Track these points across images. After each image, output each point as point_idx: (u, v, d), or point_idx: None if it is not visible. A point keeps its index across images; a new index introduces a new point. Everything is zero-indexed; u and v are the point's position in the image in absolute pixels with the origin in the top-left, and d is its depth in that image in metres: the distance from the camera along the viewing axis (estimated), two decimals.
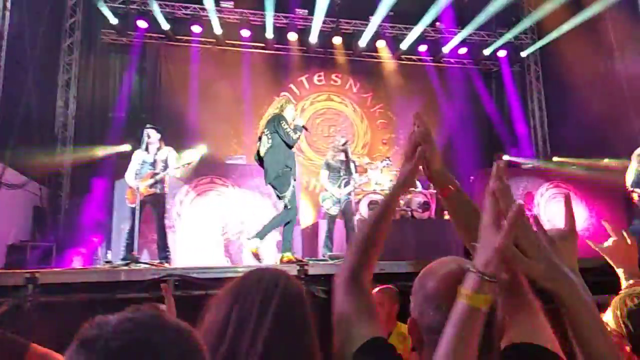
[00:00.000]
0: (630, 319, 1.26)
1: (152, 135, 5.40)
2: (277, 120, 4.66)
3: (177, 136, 7.68)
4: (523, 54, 10.87)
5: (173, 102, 9.32)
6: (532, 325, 1.03)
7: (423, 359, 0.98)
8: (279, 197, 4.73)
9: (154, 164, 5.40)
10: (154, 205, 5.37)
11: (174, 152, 5.51)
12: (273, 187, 4.71)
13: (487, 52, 10.65)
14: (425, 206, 7.57)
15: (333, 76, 10.59)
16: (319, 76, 10.51)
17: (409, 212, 7.74)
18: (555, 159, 9.45)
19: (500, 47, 10.64)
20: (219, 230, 6.50)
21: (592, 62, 8.54)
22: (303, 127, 4.89)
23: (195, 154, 5.81)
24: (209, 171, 6.67)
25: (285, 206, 4.70)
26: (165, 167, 5.38)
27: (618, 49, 8.24)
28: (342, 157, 5.96)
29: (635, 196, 5.68)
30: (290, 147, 4.67)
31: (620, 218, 7.47)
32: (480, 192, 8.45)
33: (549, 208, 7.97)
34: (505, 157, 9.75)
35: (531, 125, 10.96)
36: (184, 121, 9.05)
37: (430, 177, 1.24)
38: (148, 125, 5.47)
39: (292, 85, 10.32)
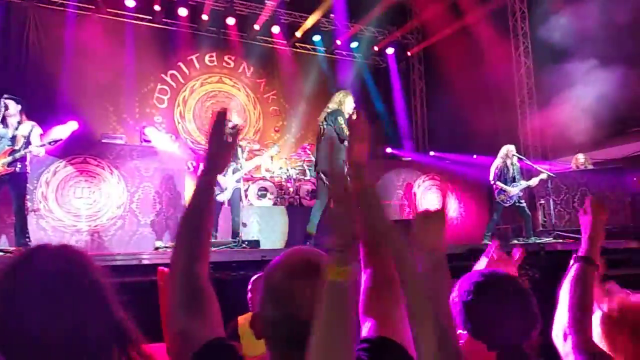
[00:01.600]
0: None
1: (10, 107, 4.76)
2: (335, 115, 5.07)
3: (44, 110, 6.86)
4: (409, 53, 11.53)
5: (42, 72, 8.31)
6: (393, 319, 1.05)
7: (269, 353, 0.94)
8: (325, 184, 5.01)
9: (13, 139, 4.78)
10: (13, 186, 4.77)
11: (38, 127, 4.92)
12: (324, 174, 5.00)
13: (376, 48, 11.09)
14: (313, 194, 7.70)
15: (226, 58, 10.26)
16: (211, 57, 10.12)
17: (298, 200, 7.83)
18: (431, 153, 10.19)
19: (389, 45, 11.16)
20: (90, 214, 5.97)
21: (467, 65, 9.30)
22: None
23: (65, 130, 5.22)
24: (82, 150, 6.06)
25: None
26: (27, 143, 4.80)
27: (487, 55, 9.08)
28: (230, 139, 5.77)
29: (494, 186, 6.38)
30: (342, 141, 4.92)
31: (484, 209, 8.32)
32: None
33: (426, 198, 8.58)
34: (389, 150, 10.30)
35: (413, 121, 11.69)
36: (54, 94, 8.12)
37: (349, 165, 1.18)
38: (6, 96, 4.80)
39: (180, 64, 9.81)
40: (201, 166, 1.22)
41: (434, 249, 1.02)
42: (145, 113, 9.29)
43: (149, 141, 7.47)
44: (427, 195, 8.63)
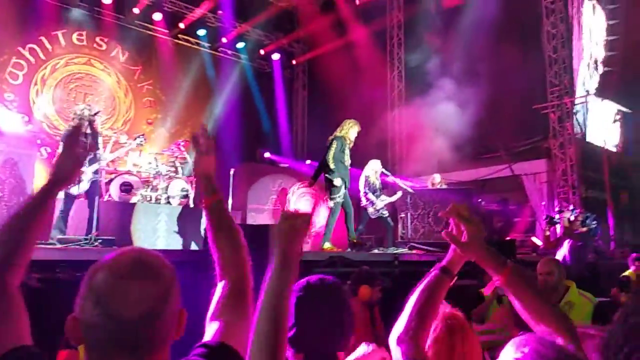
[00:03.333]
0: None
1: None
2: (333, 140, 5.91)
3: None
4: (294, 62, 11.72)
5: None
6: (239, 328, 1.06)
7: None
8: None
9: None
10: None
11: None
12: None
13: (262, 52, 11.09)
14: (185, 192, 7.37)
15: (97, 39, 9.42)
16: (80, 35, 9.21)
17: (166, 198, 7.43)
18: (308, 161, 10.44)
19: (275, 50, 11.23)
20: None
21: (347, 81, 9.73)
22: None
23: None
24: None
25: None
26: None
27: (366, 74, 9.60)
28: (89, 129, 5.27)
29: (363, 199, 6.71)
30: (326, 164, 5.86)
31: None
32: (240, 185, 8.74)
33: (299, 204, 8.74)
34: (267, 155, 10.32)
35: (293, 129, 11.88)
36: None
37: (197, 178, 1.18)
38: None
39: (43, 38, 8.77)
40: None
41: (287, 248, 1.04)
42: None
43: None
44: (301, 202, 8.80)
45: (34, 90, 8.66)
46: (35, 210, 1.11)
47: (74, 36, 9.14)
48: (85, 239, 4.62)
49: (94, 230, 4.87)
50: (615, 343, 0.72)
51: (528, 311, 1.08)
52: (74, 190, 5.09)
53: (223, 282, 1.16)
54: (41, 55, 8.78)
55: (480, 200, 7.89)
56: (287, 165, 9.73)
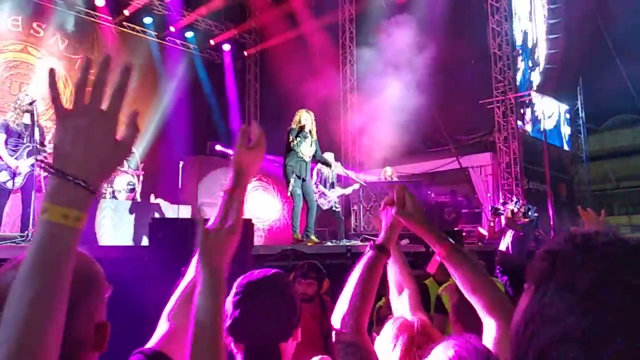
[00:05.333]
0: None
1: None
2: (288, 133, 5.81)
3: None
4: (245, 53, 11.52)
5: None
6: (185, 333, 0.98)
7: None
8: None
9: None
10: None
11: None
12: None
13: (212, 42, 10.82)
14: (131, 187, 7.10)
15: (34, 25, 8.85)
16: (15, 21, 8.62)
17: (112, 193, 7.13)
18: None
19: (226, 41, 10.99)
20: None
21: (300, 73, 9.67)
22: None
23: None
24: None
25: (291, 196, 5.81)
26: None
27: (318, 66, 9.58)
28: (26, 119, 4.95)
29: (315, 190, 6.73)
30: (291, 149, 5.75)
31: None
32: (189, 177, 8.51)
33: (251, 198, 8.63)
34: (218, 147, 10.11)
35: (245, 121, 11.70)
36: None
37: (232, 168, 1.13)
38: None
39: None
40: None
41: (213, 268, 0.97)
42: None
43: None
44: (253, 195, 8.69)
45: None
46: None
47: (9, 21, 8.55)
48: (21, 236, 4.35)
49: (30, 227, 4.58)
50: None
51: (465, 283, 1.13)
52: (10, 184, 4.77)
53: (191, 276, 1.08)
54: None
55: (430, 192, 8.08)
56: None
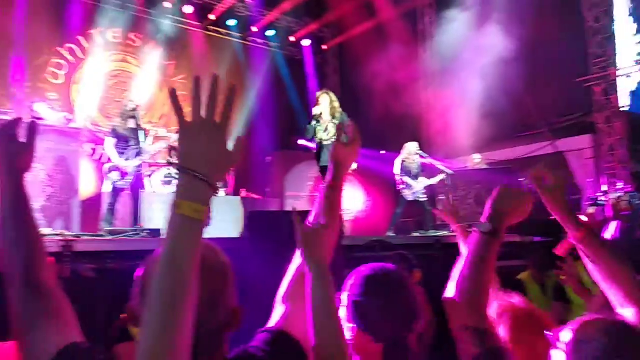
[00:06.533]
0: None
1: None
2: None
3: None
4: (325, 47, 11.62)
5: None
6: (302, 312, 1.08)
7: None
8: None
9: None
10: None
11: None
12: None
13: (292, 38, 11.04)
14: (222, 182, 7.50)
15: (132, 36, 9.61)
16: (115, 33, 9.42)
17: None
18: None
19: (305, 37, 11.16)
20: None
21: (379, 63, 9.58)
22: None
23: None
24: None
25: None
26: None
27: (397, 55, 9.43)
28: (131, 124, 5.42)
29: (399, 181, 6.67)
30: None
31: (389, 202, 8.65)
32: (277, 173, 8.80)
33: None
34: (300, 142, 10.33)
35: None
36: None
37: (332, 161, 1.30)
38: None
39: (80, 38, 9.01)
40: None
41: (318, 262, 1.08)
42: (37, 88, 8.43)
43: (39, 119, 6.77)
44: None
45: (75, 89, 8.95)
46: (12, 201, 1.08)
47: (109, 34, 9.35)
48: (133, 230, 4.77)
49: (139, 222, 5.02)
50: None
51: (603, 270, 1.06)
52: (121, 183, 5.26)
53: (299, 261, 1.18)
54: (79, 54, 9.04)
55: (523, 179, 7.67)
56: None
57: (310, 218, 1.26)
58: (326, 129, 5.41)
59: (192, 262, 0.76)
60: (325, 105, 5.49)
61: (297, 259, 1.18)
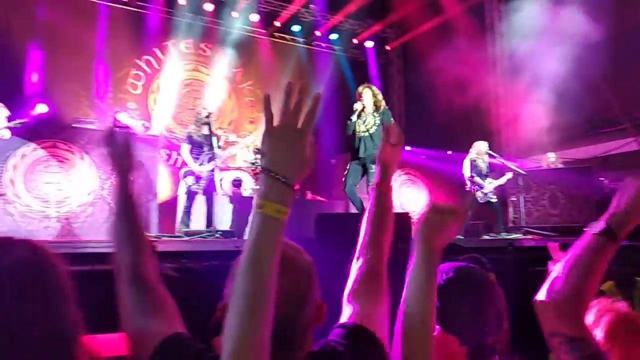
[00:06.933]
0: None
1: None
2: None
3: (12, 92, 6.63)
4: (388, 47, 11.55)
5: (9, 53, 7.99)
6: (373, 311, 1.10)
7: None
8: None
9: None
10: None
11: (4, 109, 4.75)
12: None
13: (355, 41, 11.07)
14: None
15: (202, 45, 10.08)
16: (187, 43, 9.92)
17: None
18: (407, 148, 10.27)
19: (368, 38, 11.15)
20: (59, 200, 5.80)
21: (445, 61, 9.37)
22: None
23: (32, 112, 5.05)
24: (52, 134, 5.87)
25: None
26: None
27: (464, 52, 9.17)
28: (205, 131, 5.71)
29: (469, 184, 6.48)
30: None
31: (455, 203, 8.43)
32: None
33: (401, 193, 8.66)
34: None
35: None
36: (20, 73, 7.84)
37: (379, 163, 1.36)
38: None
39: (156, 50, 9.59)
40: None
41: (433, 241, 1.03)
42: (119, 98, 9.07)
43: (122, 127, 7.29)
44: (402, 190, 8.70)
45: (152, 98, 9.53)
46: (122, 200, 1.20)
47: (182, 45, 9.86)
48: (208, 232, 5.02)
49: (213, 223, 5.27)
50: None
51: None
52: (195, 187, 5.54)
53: (360, 260, 1.22)
54: (155, 65, 9.62)
55: (603, 178, 7.20)
56: None
57: (364, 219, 1.30)
58: (365, 121, 5.30)
59: (273, 259, 0.81)
60: (368, 98, 5.40)
61: (356, 260, 1.22)
